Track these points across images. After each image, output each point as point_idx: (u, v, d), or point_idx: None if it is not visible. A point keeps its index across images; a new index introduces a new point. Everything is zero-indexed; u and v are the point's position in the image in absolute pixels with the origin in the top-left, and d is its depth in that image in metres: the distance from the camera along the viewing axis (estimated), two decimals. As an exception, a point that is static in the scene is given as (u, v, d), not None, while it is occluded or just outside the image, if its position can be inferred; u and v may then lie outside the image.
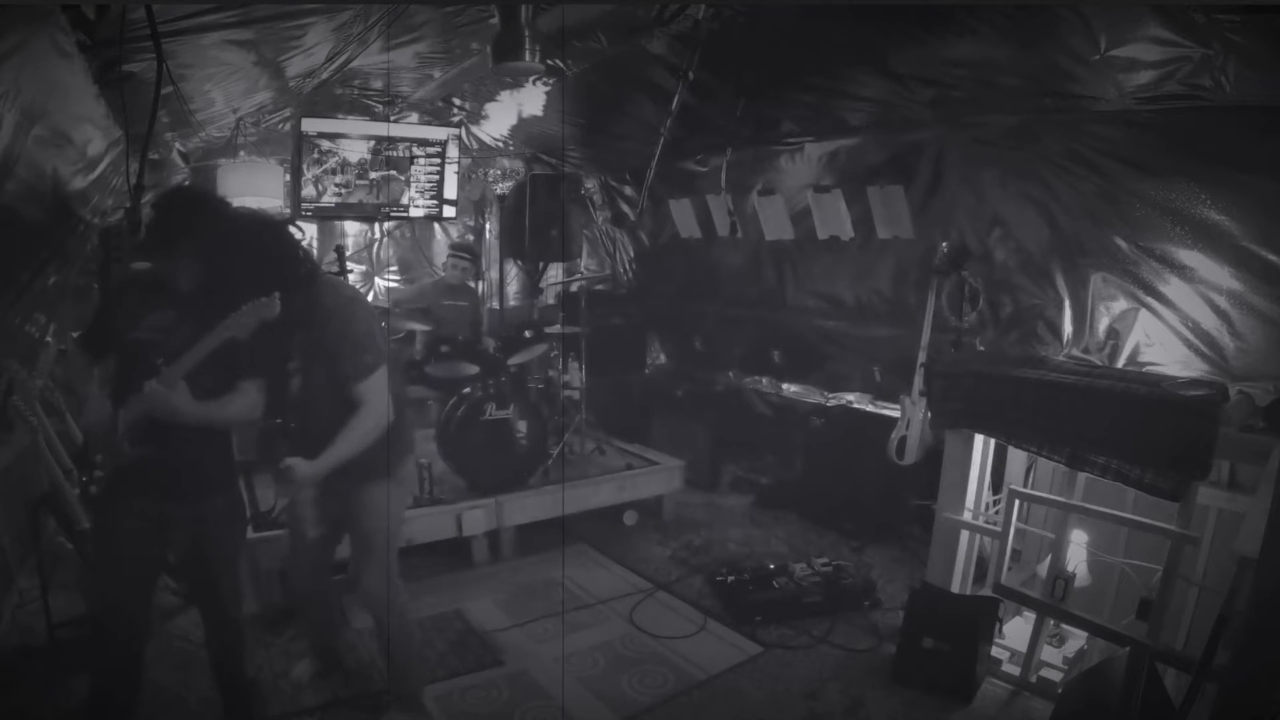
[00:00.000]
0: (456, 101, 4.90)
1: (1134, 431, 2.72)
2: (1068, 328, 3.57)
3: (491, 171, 6.16)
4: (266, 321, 2.11)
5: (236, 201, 2.67)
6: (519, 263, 6.46)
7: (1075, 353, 3.53)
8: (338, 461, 2.35)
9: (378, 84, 4.32)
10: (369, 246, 5.86)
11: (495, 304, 5.87)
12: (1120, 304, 3.34)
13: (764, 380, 5.60)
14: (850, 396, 4.97)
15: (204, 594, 2.43)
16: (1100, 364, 3.39)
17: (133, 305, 2.24)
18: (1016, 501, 3.19)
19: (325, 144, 4.73)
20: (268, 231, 2.38)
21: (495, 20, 3.14)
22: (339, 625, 3.14)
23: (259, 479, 4.16)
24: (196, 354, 2.07)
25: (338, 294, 2.53)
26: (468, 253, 5.13)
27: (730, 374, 5.87)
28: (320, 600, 2.96)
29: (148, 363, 2.11)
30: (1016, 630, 3.30)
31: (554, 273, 6.55)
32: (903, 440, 3.88)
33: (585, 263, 6.77)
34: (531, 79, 4.12)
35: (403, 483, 2.73)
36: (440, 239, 6.17)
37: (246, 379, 2.26)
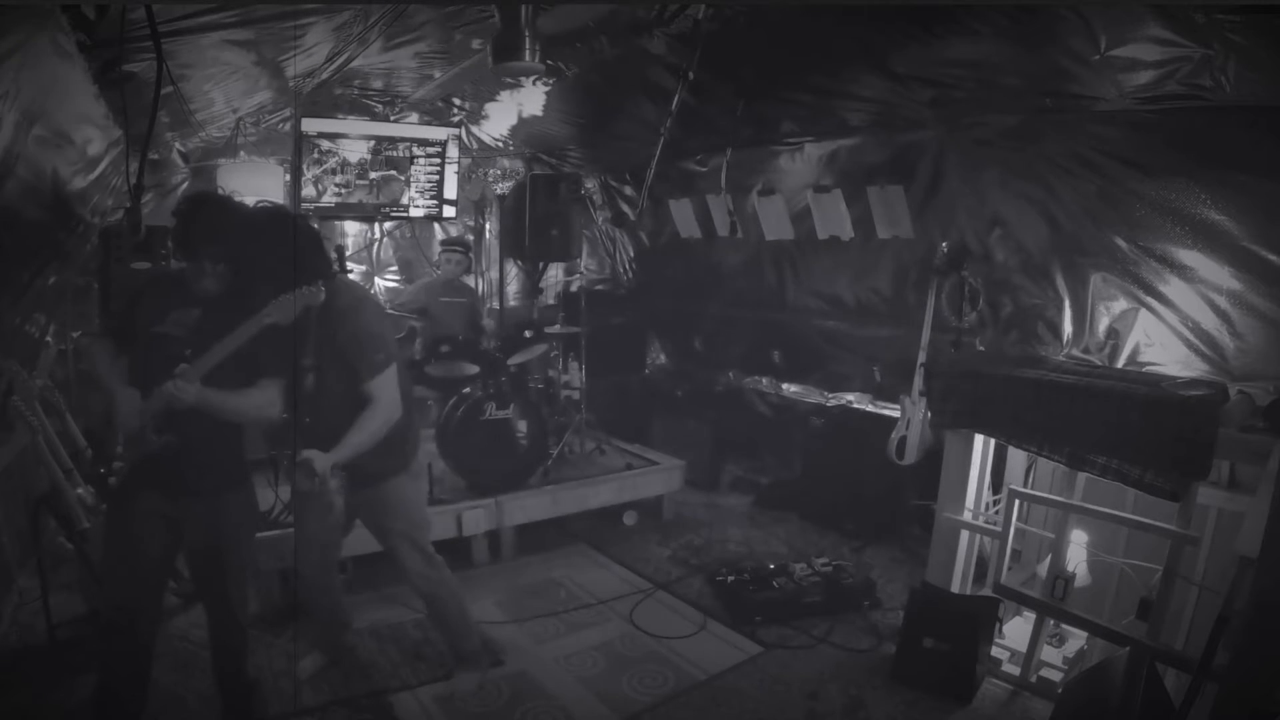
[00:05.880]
0: (456, 101, 4.89)
1: (1134, 431, 2.72)
2: (1068, 328, 3.57)
3: (491, 171, 6.16)
4: (311, 308, 2.21)
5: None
6: (519, 263, 6.46)
7: (1075, 353, 3.53)
8: (352, 454, 2.45)
9: (378, 84, 4.32)
10: (369, 246, 5.86)
11: (495, 304, 5.87)
12: (1120, 304, 3.34)
13: (764, 380, 5.60)
14: (850, 396, 4.97)
15: (212, 592, 2.43)
16: (1100, 364, 3.39)
17: (156, 301, 2.26)
18: (1016, 501, 3.18)
19: (325, 144, 4.73)
20: (296, 226, 2.48)
21: (495, 20, 3.14)
22: (345, 621, 3.16)
23: (256, 479, 4.16)
24: (233, 342, 2.12)
25: (351, 293, 2.63)
26: (460, 246, 5.12)
27: (730, 374, 5.86)
28: (328, 595, 3.03)
29: (172, 354, 2.13)
30: (1016, 630, 3.30)
31: (554, 273, 6.55)
32: (903, 440, 3.88)
33: (585, 263, 6.77)
34: (531, 79, 4.12)
35: (419, 476, 2.91)
36: (440, 239, 6.17)
37: (267, 377, 2.28)
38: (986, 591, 3.25)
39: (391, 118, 4.89)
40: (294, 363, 2.49)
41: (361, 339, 2.51)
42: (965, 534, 3.42)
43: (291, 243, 2.40)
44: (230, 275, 2.31)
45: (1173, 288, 3.14)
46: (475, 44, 3.54)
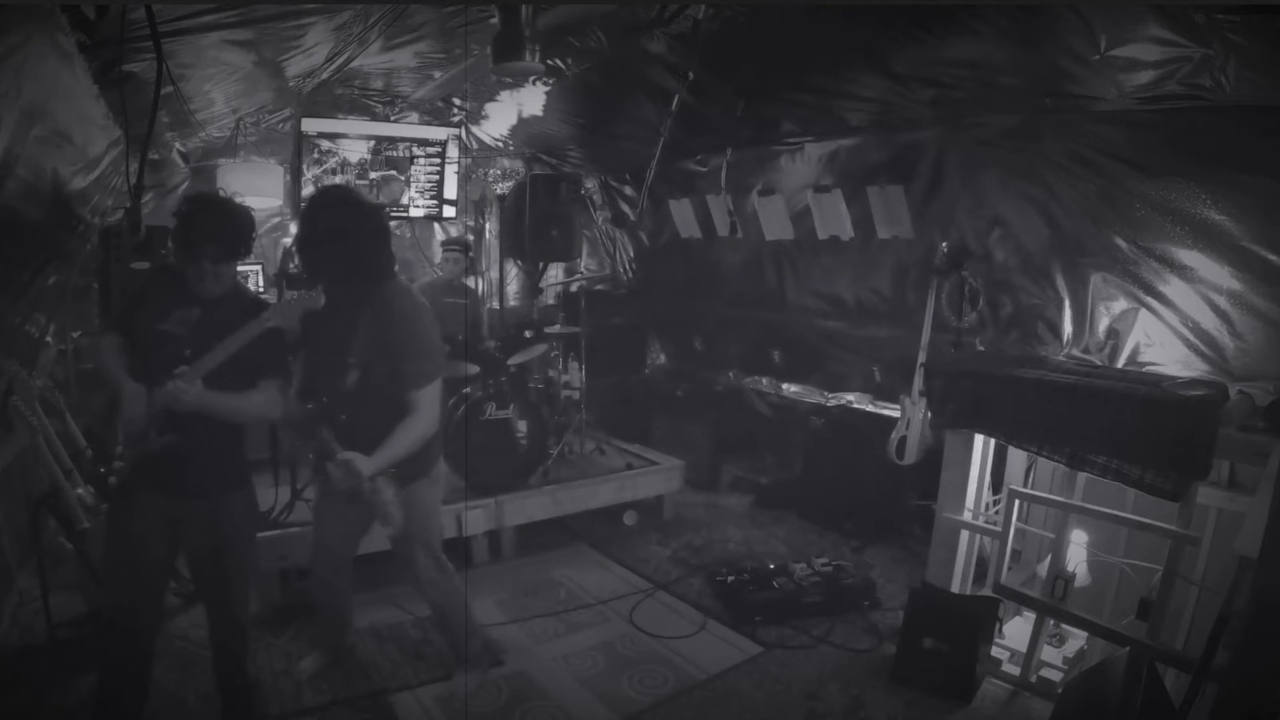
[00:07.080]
0: (456, 101, 4.89)
1: (1134, 431, 2.71)
2: (1068, 328, 3.56)
3: (491, 171, 6.16)
4: (310, 312, 2.22)
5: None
6: (519, 263, 6.46)
7: (1075, 353, 3.53)
8: (391, 460, 2.47)
9: (378, 84, 4.32)
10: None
11: (495, 304, 5.87)
12: (1120, 304, 3.34)
13: (764, 380, 5.59)
14: (850, 396, 4.97)
15: (212, 593, 2.43)
16: (1100, 364, 3.39)
17: (159, 299, 2.25)
18: (1016, 501, 3.19)
19: (325, 144, 4.73)
20: (371, 215, 2.53)
21: (495, 20, 3.14)
22: (346, 621, 3.17)
23: (258, 479, 4.15)
24: (234, 343, 2.11)
25: (411, 299, 2.65)
26: (459, 245, 5.12)
27: (730, 374, 5.86)
28: (337, 594, 3.03)
29: (173, 353, 2.12)
30: (1016, 630, 3.30)
31: (554, 273, 6.55)
32: (903, 440, 3.88)
33: (585, 263, 6.76)
34: (531, 79, 4.12)
35: (438, 482, 2.89)
36: (440, 239, 6.17)
37: (267, 378, 2.28)
38: (986, 591, 3.25)
39: (391, 118, 4.89)
40: (340, 360, 2.52)
41: (415, 348, 2.53)
42: (965, 534, 3.42)
43: (368, 238, 2.47)
44: (231, 276, 2.31)
45: (1173, 288, 3.14)
46: (475, 44, 3.55)
